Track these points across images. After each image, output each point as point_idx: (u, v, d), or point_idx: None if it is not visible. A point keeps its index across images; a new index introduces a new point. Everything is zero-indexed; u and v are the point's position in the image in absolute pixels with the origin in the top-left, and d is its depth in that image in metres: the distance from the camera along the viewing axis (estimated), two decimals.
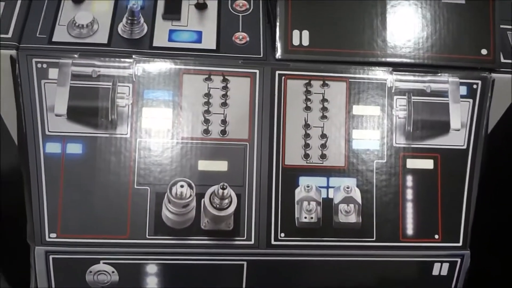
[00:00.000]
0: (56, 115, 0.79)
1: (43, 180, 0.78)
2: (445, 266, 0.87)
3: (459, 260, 0.87)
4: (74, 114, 0.79)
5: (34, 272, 0.80)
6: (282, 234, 0.83)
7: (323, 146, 0.84)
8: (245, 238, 0.82)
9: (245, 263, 0.82)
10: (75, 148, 0.79)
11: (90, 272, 0.80)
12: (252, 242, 0.82)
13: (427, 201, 0.86)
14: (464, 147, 0.87)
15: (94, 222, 0.79)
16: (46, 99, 0.79)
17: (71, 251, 0.79)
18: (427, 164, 0.86)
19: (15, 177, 0.81)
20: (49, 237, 0.78)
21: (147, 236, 0.80)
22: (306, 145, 0.84)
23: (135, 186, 0.80)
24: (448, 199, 0.86)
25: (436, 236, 0.86)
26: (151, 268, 0.81)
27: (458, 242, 0.86)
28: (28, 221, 0.79)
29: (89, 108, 0.80)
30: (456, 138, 0.87)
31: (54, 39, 0.82)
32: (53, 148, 0.79)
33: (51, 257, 0.78)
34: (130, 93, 0.81)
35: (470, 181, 0.87)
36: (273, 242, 0.82)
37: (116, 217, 0.79)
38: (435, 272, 0.87)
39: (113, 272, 0.80)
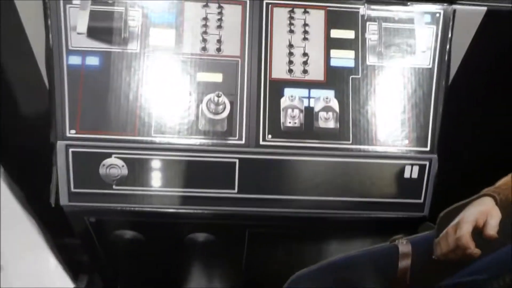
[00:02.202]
0: (78, 33, 0.94)
1: (66, 86, 0.92)
2: (415, 168, 0.97)
3: (427, 163, 0.97)
4: (93, 32, 0.94)
5: (56, 167, 0.93)
6: (270, 136, 0.95)
7: (305, 63, 0.98)
8: (237, 138, 0.94)
9: (237, 160, 0.94)
10: (93, 61, 0.94)
11: (103, 165, 0.92)
12: (243, 141, 0.94)
13: (398, 111, 0.98)
14: (430, 66, 1.00)
15: (108, 121, 0.92)
16: (70, 20, 0.94)
17: (87, 145, 0.92)
18: (397, 80, 0.99)
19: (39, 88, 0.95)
20: (69, 133, 0.92)
21: (153, 134, 0.93)
22: (290, 62, 0.97)
23: (143, 92, 0.94)
24: (416, 110, 0.98)
25: (406, 141, 0.97)
26: (156, 163, 0.94)
27: (426, 147, 0.97)
28: (52, 120, 0.92)
29: (106, 28, 0.94)
30: (423, 59, 1.00)
31: None
32: (74, 60, 0.93)
33: (70, 150, 0.92)
34: (140, 17, 0.96)
35: (436, 95, 0.99)
36: (261, 142, 0.95)
37: (127, 117, 0.93)
38: (407, 175, 0.98)
39: (123, 166, 0.93)
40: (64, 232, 1.09)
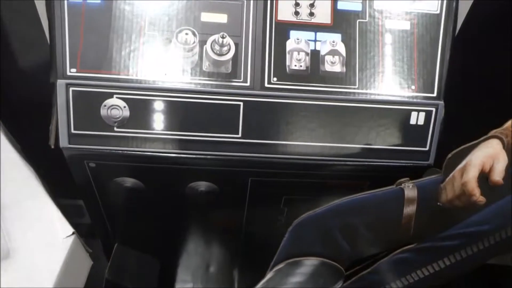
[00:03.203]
0: None
1: (66, 23, 0.90)
2: (422, 115, 0.96)
3: (434, 109, 0.96)
4: None
5: (56, 108, 0.91)
6: (275, 79, 0.93)
7: (312, 5, 0.95)
8: (242, 80, 0.92)
9: (241, 103, 0.93)
10: None
11: (105, 106, 0.90)
12: (248, 84, 0.92)
13: (405, 57, 0.96)
14: (438, 12, 0.98)
15: (110, 60, 0.90)
16: None
17: (88, 84, 0.89)
18: (405, 25, 0.97)
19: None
20: (70, 72, 0.89)
21: (155, 75, 0.91)
22: (296, 4, 0.95)
23: (146, 32, 0.91)
24: (423, 56, 0.97)
25: (413, 87, 0.96)
26: (159, 105, 0.92)
27: (433, 93, 0.96)
28: (52, 59, 0.90)
29: None
30: (430, 4, 0.98)
31: None
32: None
33: (71, 89, 0.89)
34: None
35: (443, 41, 0.97)
36: (266, 85, 0.93)
37: (130, 56, 0.90)
38: (413, 121, 0.97)
39: (124, 107, 0.91)
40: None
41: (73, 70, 0.89)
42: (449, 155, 0.88)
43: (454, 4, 0.98)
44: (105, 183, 1.02)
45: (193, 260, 1.41)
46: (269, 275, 0.94)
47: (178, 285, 1.45)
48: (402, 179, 0.89)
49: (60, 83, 0.89)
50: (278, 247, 1.28)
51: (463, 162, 0.86)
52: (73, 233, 0.91)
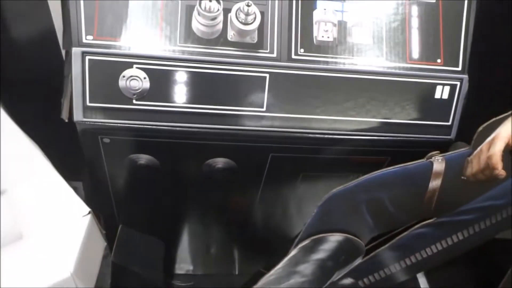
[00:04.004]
0: None
1: None
2: (446, 89, 0.95)
3: (458, 83, 0.95)
4: None
5: (70, 78, 0.84)
6: (302, 50, 0.90)
7: None
8: (268, 51, 0.88)
9: (267, 75, 0.89)
10: None
11: (123, 76, 0.84)
12: (275, 55, 0.89)
13: (431, 30, 0.95)
14: None
15: (129, 28, 0.84)
16: None
17: (106, 53, 0.83)
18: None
19: None
20: (86, 39, 0.83)
21: (178, 44, 0.86)
22: None
23: None
24: (449, 29, 0.95)
25: (439, 60, 0.95)
26: (180, 76, 0.87)
27: (458, 67, 0.95)
28: (65, 25, 0.83)
29: None
30: None
31: None
32: None
33: (87, 58, 0.83)
34: None
35: (467, 15, 0.96)
36: (293, 56, 0.89)
37: (150, 24, 0.85)
38: (437, 95, 0.96)
39: (144, 78, 0.85)
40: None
41: (89, 37, 0.83)
42: (480, 128, 0.88)
43: None
44: (118, 160, 0.96)
45: (195, 242, 1.38)
46: (293, 251, 0.93)
47: (178, 270, 1.42)
48: (433, 152, 0.89)
49: (76, 51, 0.83)
50: (283, 230, 1.27)
51: (492, 135, 0.86)
52: (89, 212, 0.86)
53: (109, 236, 1.22)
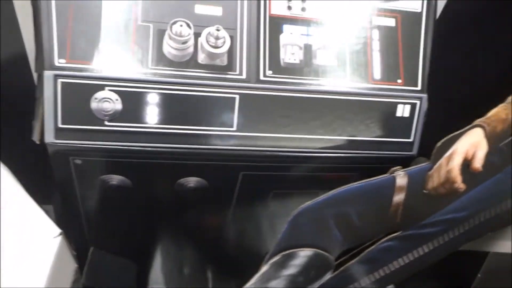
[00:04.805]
0: None
1: (53, 11, 0.85)
2: (407, 107, 1.01)
3: (418, 102, 1.01)
4: None
5: (42, 101, 0.85)
6: (270, 72, 0.93)
7: (303, 0, 0.97)
8: (237, 73, 0.92)
9: (237, 96, 0.92)
10: None
11: (96, 98, 0.86)
12: (244, 76, 0.92)
13: (391, 52, 1.00)
14: (419, 10, 1.03)
15: (102, 51, 0.86)
16: None
17: (78, 76, 0.85)
18: (390, 22, 1.01)
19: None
20: (59, 62, 0.84)
21: (150, 66, 0.88)
22: None
23: (139, 23, 0.88)
24: (408, 51, 1.01)
25: (399, 81, 1.00)
26: (152, 98, 0.89)
27: (417, 86, 1.01)
28: (37, 48, 0.85)
29: None
30: (413, 3, 1.03)
31: None
32: None
33: (59, 81, 0.84)
34: None
35: (425, 37, 1.02)
36: (262, 78, 0.93)
37: (122, 49, 0.87)
38: (399, 113, 1.01)
39: (116, 100, 0.87)
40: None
41: (62, 60, 0.84)
42: (438, 144, 0.93)
43: (434, 4, 1.04)
44: (90, 182, 0.97)
45: (168, 262, 1.37)
46: (264, 268, 0.95)
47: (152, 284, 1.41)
48: (395, 167, 0.93)
49: (48, 74, 0.84)
50: (256, 247, 1.29)
51: (450, 150, 0.92)
52: (60, 234, 0.86)
53: (81, 259, 1.21)
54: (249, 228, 1.22)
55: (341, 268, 0.99)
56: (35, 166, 1.01)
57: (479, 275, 1.15)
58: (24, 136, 0.91)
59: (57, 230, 0.87)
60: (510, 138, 1.00)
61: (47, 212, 1.19)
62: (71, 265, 0.93)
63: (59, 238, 0.86)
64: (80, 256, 1.21)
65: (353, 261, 0.99)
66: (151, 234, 1.20)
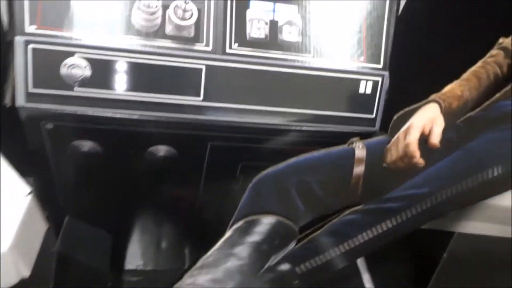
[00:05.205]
0: None
1: None
2: (369, 84, 1.05)
3: (380, 79, 1.05)
4: None
5: (13, 65, 0.89)
6: (236, 44, 0.97)
7: None
8: (204, 44, 0.95)
9: (203, 67, 0.96)
10: None
11: (65, 64, 0.89)
12: (210, 48, 0.96)
13: (355, 30, 1.04)
14: None
15: (72, 18, 0.89)
16: None
17: (49, 42, 0.88)
18: (355, 1, 1.05)
19: None
20: (29, 29, 0.88)
21: (119, 35, 0.91)
22: None
23: None
24: (371, 30, 1.05)
25: (362, 58, 1.04)
26: (120, 65, 0.92)
27: (379, 64, 1.05)
28: (9, 14, 0.88)
29: None
30: None
31: None
32: None
33: (30, 46, 0.88)
34: None
35: (388, 18, 1.06)
36: (228, 50, 0.97)
37: (92, 16, 0.90)
38: (361, 90, 1.05)
39: (86, 66, 0.90)
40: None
41: (33, 26, 0.88)
42: (395, 117, 0.97)
43: None
44: (61, 147, 1.00)
45: (145, 237, 1.41)
46: (227, 233, 0.96)
47: (128, 265, 1.44)
48: (354, 138, 0.96)
49: (19, 40, 0.87)
50: (229, 220, 1.31)
51: (406, 124, 0.94)
52: (30, 192, 0.89)
53: (57, 228, 1.24)
54: (221, 201, 1.25)
55: (307, 238, 1.00)
56: (20, 140, 1.04)
57: (444, 255, 1.14)
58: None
59: (28, 189, 0.90)
60: (467, 115, 1.04)
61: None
62: (42, 224, 0.96)
63: (29, 197, 0.90)
64: (56, 225, 1.25)
65: (317, 232, 0.99)
66: (125, 205, 1.23)
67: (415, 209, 0.92)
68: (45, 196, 1.13)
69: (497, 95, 1.01)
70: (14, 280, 0.83)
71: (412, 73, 1.12)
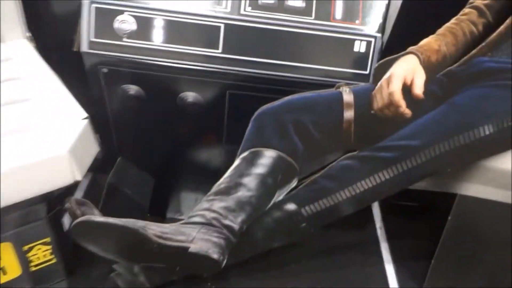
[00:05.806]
0: None
1: None
2: (363, 44, 1.22)
3: (373, 40, 1.22)
4: None
5: (79, 22, 1.18)
6: (250, 8, 1.21)
7: None
8: (223, 6, 1.20)
9: (222, 25, 1.20)
10: None
11: (117, 20, 1.18)
12: (228, 10, 1.20)
13: None
14: None
15: None
16: None
17: (106, 2, 1.18)
18: None
19: None
20: None
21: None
22: None
23: None
24: None
25: (357, 21, 1.22)
26: (159, 22, 1.19)
27: (372, 27, 1.23)
28: None
29: None
30: None
31: None
32: None
33: (92, 6, 1.17)
34: None
35: None
36: (242, 12, 1.21)
37: None
38: (356, 49, 1.23)
39: (132, 22, 1.18)
40: None
41: None
42: (376, 65, 1.09)
43: None
44: (114, 90, 1.29)
45: (184, 187, 1.58)
46: (236, 162, 1.05)
47: (169, 214, 1.59)
48: (340, 83, 1.09)
49: (85, 1, 1.17)
50: None
51: (388, 73, 1.02)
52: (87, 117, 1.14)
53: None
54: None
55: (310, 179, 1.03)
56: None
57: (449, 218, 1.09)
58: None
59: (84, 114, 1.14)
60: (447, 69, 1.15)
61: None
62: (94, 146, 1.11)
63: (86, 121, 1.13)
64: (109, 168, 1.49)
65: (318, 174, 1.04)
66: (164, 151, 1.47)
67: (410, 161, 0.94)
68: (103, 139, 1.40)
69: (474, 50, 1.09)
70: (69, 180, 0.96)
71: (407, 36, 1.27)
